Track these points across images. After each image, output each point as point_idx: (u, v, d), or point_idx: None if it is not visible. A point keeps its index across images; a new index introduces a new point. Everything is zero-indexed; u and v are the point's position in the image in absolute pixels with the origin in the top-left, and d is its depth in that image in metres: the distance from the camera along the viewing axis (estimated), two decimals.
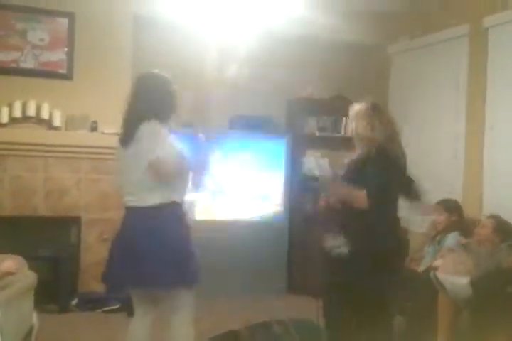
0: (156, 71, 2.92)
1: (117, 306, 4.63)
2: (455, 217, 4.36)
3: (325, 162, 4.12)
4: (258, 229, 5.63)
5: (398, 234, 3.19)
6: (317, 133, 5.99)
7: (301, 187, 5.75)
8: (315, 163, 5.59)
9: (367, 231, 3.00)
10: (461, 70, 5.17)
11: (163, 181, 2.71)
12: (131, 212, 2.79)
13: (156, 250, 2.68)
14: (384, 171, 2.99)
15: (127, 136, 2.76)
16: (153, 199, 2.72)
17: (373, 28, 5.75)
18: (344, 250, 3.05)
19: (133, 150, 2.73)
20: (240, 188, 5.65)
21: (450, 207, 4.39)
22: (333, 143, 5.90)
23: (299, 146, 5.84)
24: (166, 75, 2.91)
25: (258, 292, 5.38)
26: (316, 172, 3.81)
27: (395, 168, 3.03)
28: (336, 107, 5.74)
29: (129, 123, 2.79)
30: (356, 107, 3.21)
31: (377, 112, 3.14)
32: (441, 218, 4.40)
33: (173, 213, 2.79)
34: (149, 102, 2.79)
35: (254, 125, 5.68)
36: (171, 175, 2.73)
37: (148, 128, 2.72)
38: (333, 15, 5.16)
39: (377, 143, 3.05)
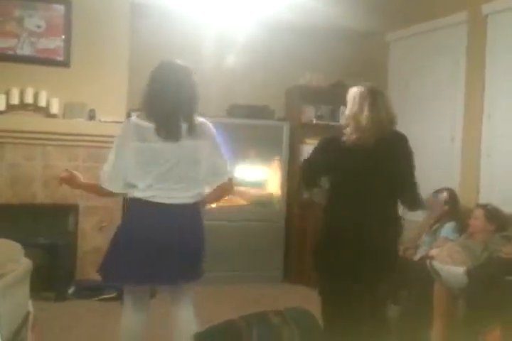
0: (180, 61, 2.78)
1: (113, 294, 4.64)
2: (448, 206, 4.36)
3: None
4: (255, 217, 5.65)
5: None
6: (315, 122, 5.97)
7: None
8: None
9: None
10: (459, 58, 5.13)
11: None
12: (161, 208, 2.66)
13: (185, 247, 2.69)
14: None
15: (183, 130, 2.66)
16: (187, 197, 2.71)
17: (372, 15, 5.69)
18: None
19: (187, 144, 2.67)
20: (237, 176, 5.66)
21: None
22: (330, 131, 5.87)
23: (296, 134, 5.86)
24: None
25: (254, 280, 5.42)
26: None
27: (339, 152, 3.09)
28: (334, 95, 5.70)
29: (184, 116, 2.67)
30: (352, 90, 3.20)
31: (370, 96, 3.09)
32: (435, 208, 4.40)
33: (200, 211, 2.80)
34: (195, 95, 2.72)
35: (252, 113, 5.68)
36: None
37: (206, 124, 2.75)
38: (332, 2, 5.11)
39: (362, 127, 3.04)
